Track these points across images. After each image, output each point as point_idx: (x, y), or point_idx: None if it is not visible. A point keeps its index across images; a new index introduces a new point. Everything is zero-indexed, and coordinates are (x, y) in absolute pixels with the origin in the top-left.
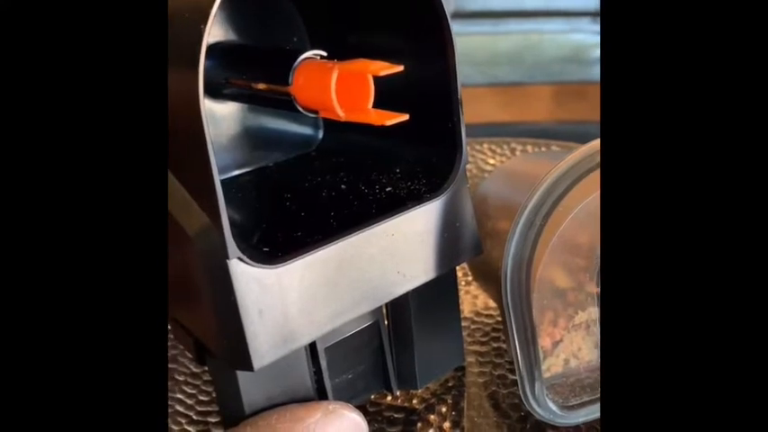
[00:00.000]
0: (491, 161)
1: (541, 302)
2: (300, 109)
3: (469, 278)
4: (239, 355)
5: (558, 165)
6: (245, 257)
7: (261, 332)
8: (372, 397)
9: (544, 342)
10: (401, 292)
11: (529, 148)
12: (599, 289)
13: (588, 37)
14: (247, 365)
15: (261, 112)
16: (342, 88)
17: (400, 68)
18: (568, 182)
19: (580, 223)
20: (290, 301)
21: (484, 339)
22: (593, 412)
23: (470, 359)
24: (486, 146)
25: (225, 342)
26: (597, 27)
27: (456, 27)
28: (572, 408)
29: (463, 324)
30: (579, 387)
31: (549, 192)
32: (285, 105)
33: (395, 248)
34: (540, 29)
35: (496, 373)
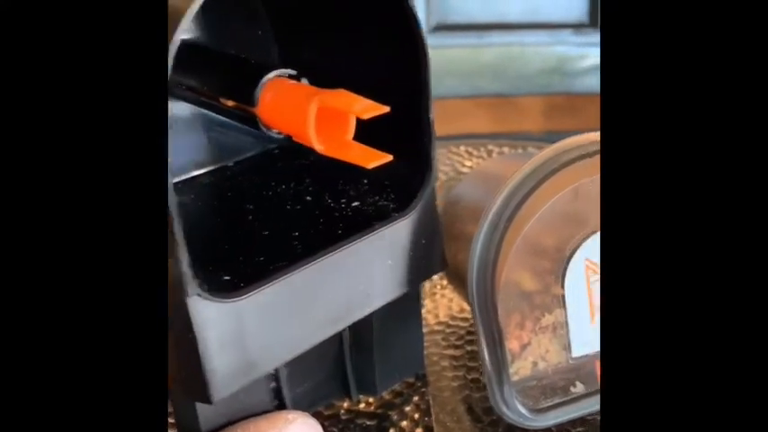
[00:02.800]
0: (467, 163)
1: (508, 305)
2: (264, 130)
3: (445, 282)
4: (198, 387)
5: (523, 166)
6: (204, 293)
7: (220, 366)
8: (345, 404)
9: (511, 345)
10: (367, 312)
11: (506, 149)
12: (564, 291)
13: (571, 49)
14: (206, 398)
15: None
16: (320, 119)
17: (386, 110)
18: (532, 183)
19: (545, 225)
20: (252, 333)
21: (458, 343)
22: (564, 414)
23: (444, 363)
24: (462, 148)
25: (183, 373)
26: (579, 39)
27: (439, 40)
28: (542, 411)
29: (438, 328)
30: (549, 389)
31: (513, 194)
32: (247, 123)
33: (361, 270)
34: (522, 41)
35: (470, 377)
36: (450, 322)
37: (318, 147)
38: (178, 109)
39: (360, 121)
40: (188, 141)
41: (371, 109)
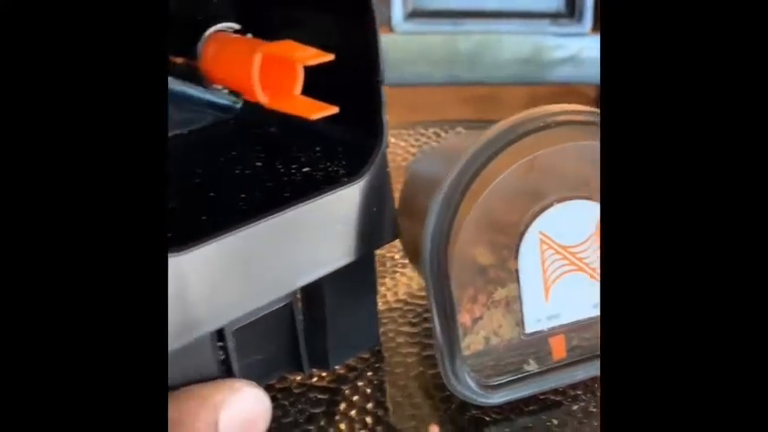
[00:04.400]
0: (435, 145)
1: (461, 278)
2: (207, 86)
3: (406, 261)
4: None
5: (476, 141)
6: None
7: None
8: (298, 378)
9: (464, 319)
10: (313, 278)
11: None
12: (518, 265)
13: (547, 39)
14: None
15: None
16: (266, 71)
17: (330, 57)
18: (488, 154)
19: (499, 198)
20: (192, 289)
21: (415, 321)
22: (516, 392)
23: (400, 340)
24: (431, 130)
25: None
26: (556, 29)
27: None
28: (495, 387)
29: (396, 306)
30: (502, 366)
31: (468, 166)
32: (190, 78)
33: (308, 234)
34: (498, 29)
35: (425, 354)
36: (409, 300)
37: (263, 99)
38: None
39: (310, 88)
40: None
41: (315, 56)
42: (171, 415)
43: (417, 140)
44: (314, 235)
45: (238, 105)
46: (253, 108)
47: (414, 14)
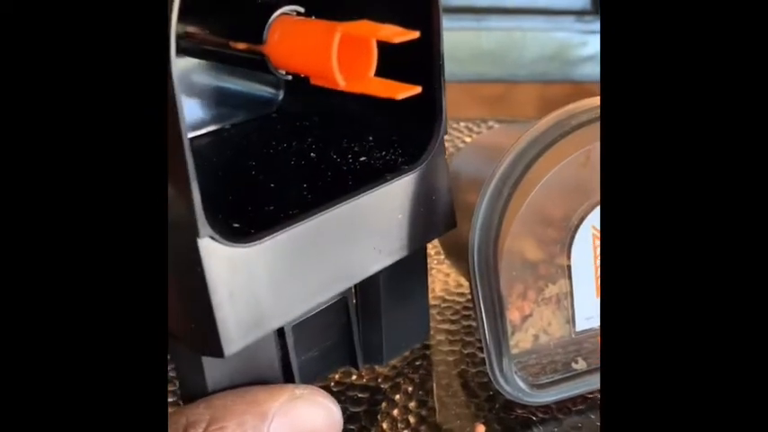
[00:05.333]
0: (467, 139)
1: (510, 274)
2: (274, 71)
3: (442, 256)
4: (208, 340)
5: (527, 133)
6: (216, 235)
7: (231, 316)
8: (337, 376)
9: (513, 316)
10: (377, 269)
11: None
12: (570, 261)
13: (572, 36)
14: (217, 352)
15: (214, 67)
16: (341, 53)
17: (416, 35)
18: (537, 149)
19: (551, 193)
20: (262, 282)
21: (454, 318)
22: (564, 391)
23: (440, 338)
24: (462, 124)
25: (191, 326)
26: (581, 26)
27: None
28: (542, 386)
29: (434, 303)
30: (550, 364)
31: (516, 161)
32: (256, 65)
33: (371, 223)
34: (522, 26)
35: (466, 352)
36: (447, 297)
37: (341, 82)
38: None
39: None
40: (182, 102)
41: (400, 34)
42: (215, 414)
43: (449, 135)
44: (377, 224)
45: (279, 98)
46: (293, 100)
47: None
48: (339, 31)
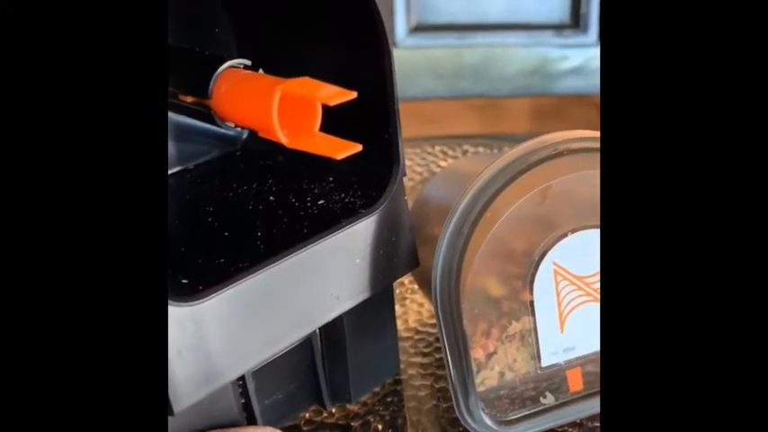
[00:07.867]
0: (442, 164)
1: (473, 312)
2: (220, 124)
3: (416, 287)
4: None
5: (486, 169)
6: None
7: (180, 375)
8: (307, 415)
9: (477, 354)
10: (336, 314)
11: (481, 149)
12: (533, 296)
13: (552, 50)
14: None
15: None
16: (283, 109)
17: (353, 95)
18: (500, 183)
19: (513, 228)
20: (213, 338)
21: (427, 350)
22: (533, 426)
23: (412, 371)
24: (437, 148)
25: None
26: (561, 40)
27: (420, 40)
28: (510, 422)
29: (407, 335)
30: (518, 400)
31: (479, 195)
32: (203, 117)
33: (328, 270)
34: (504, 42)
35: (437, 386)
36: (420, 328)
37: (283, 139)
38: None
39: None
40: None
41: (338, 95)
42: None
43: (424, 159)
44: (334, 270)
45: (244, 136)
46: (258, 138)
47: (418, 29)
48: (279, 89)
